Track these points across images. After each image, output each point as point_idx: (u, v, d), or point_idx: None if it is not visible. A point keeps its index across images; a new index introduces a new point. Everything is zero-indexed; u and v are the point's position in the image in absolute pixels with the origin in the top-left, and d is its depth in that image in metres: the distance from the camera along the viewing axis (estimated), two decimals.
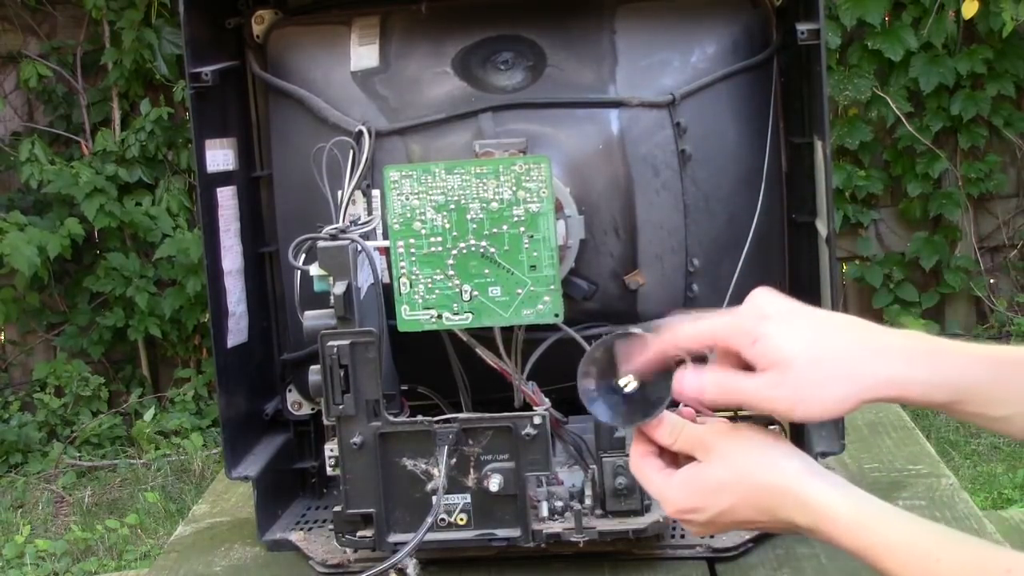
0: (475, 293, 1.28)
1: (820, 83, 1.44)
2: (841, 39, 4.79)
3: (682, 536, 1.47)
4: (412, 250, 1.28)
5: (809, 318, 1.05)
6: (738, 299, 1.50)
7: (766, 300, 1.06)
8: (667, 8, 1.51)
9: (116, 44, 4.93)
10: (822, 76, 1.44)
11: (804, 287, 1.60)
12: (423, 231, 1.28)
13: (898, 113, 4.83)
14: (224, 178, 1.59)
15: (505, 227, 1.27)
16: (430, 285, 1.28)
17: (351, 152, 1.44)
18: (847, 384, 1.02)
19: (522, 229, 1.27)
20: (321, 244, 1.33)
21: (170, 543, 1.66)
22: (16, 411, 4.90)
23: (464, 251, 1.28)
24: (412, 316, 1.29)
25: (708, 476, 1.07)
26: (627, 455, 1.40)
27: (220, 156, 1.58)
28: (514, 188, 1.27)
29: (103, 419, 4.86)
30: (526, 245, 1.27)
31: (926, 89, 4.82)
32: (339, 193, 1.41)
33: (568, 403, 1.47)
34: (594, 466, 1.41)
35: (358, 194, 1.44)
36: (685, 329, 1.06)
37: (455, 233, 1.28)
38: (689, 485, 1.07)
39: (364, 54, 1.53)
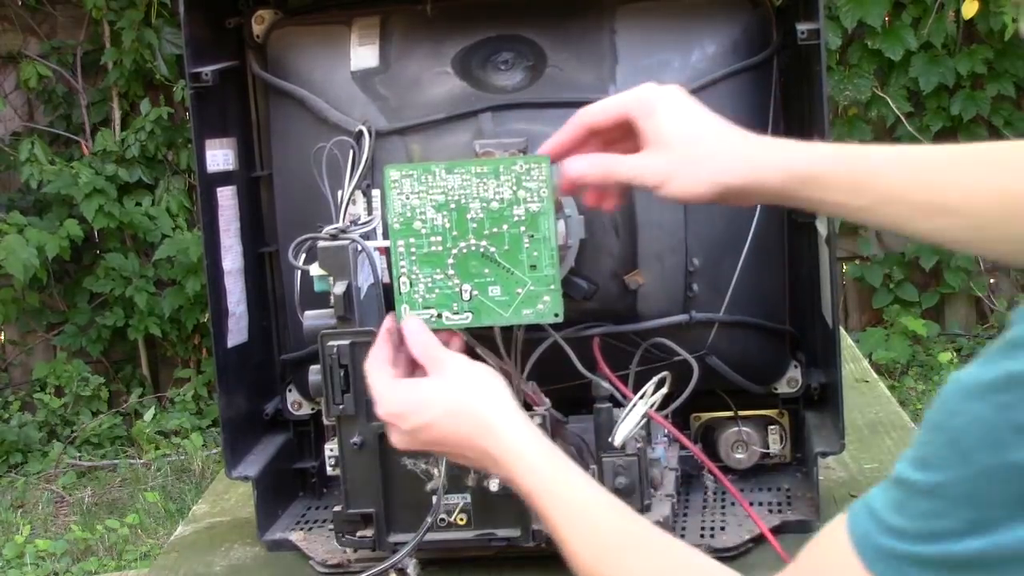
0: (475, 293, 1.28)
1: (820, 83, 1.45)
2: (841, 40, 4.79)
3: (682, 536, 1.47)
4: (412, 250, 1.28)
5: (694, 106, 1.17)
6: (738, 299, 1.51)
7: (669, 87, 1.18)
8: (667, 8, 1.51)
9: (116, 44, 4.93)
10: (822, 76, 1.44)
11: (804, 287, 1.60)
12: (423, 230, 1.28)
13: (898, 113, 4.83)
14: (224, 178, 1.59)
15: (505, 227, 1.27)
16: (430, 284, 1.28)
17: (351, 152, 1.44)
18: (711, 168, 1.13)
19: (522, 229, 1.27)
20: (321, 244, 1.33)
21: (170, 543, 1.66)
22: (16, 411, 4.90)
23: (464, 251, 1.27)
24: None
25: (422, 388, 1.17)
26: (628, 455, 1.40)
27: (220, 156, 1.58)
28: (514, 188, 1.26)
29: (103, 419, 4.86)
30: (526, 245, 1.27)
31: (926, 89, 4.82)
32: (339, 193, 1.41)
33: (568, 403, 1.47)
34: (594, 466, 1.41)
35: (358, 194, 1.44)
36: (596, 104, 1.19)
37: (455, 233, 1.27)
38: (403, 392, 1.17)
39: (364, 54, 1.53)
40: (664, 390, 1.38)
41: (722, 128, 1.16)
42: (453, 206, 1.27)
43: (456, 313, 1.28)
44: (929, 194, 1.09)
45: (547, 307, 1.28)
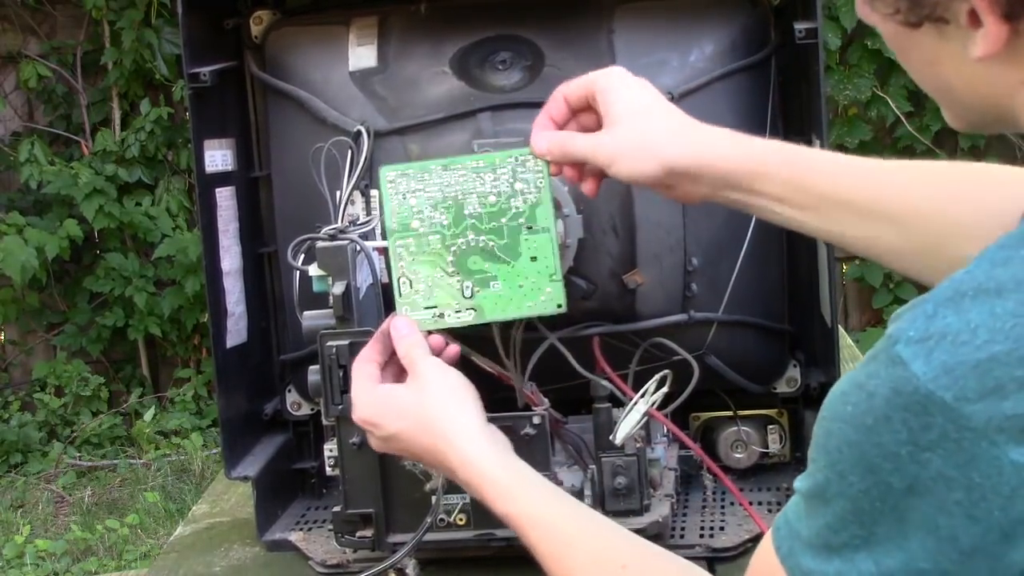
0: (476, 289, 1.28)
1: (818, 82, 1.44)
2: (841, 40, 4.79)
3: (682, 536, 1.47)
4: (411, 249, 1.28)
5: (650, 91, 1.19)
6: (737, 299, 1.51)
7: (639, 79, 1.20)
8: (665, 8, 1.51)
9: (116, 44, 4.93)
10: (820, 75, 1.44)
11: (804, 287, 1.60)
12: (421, 229, 1.28)
13: (898, 113, 4.83)
14: (223, 178, 1.59)
15: (503, 220, 1.27)
16: (430, 284, 1.28)
17: (349, 152, 1.44)
18: (659, 146, 1.14)
19: (521, 221, 1.27)
20: (320, 244, 1.33)
21: (170, 543, 1.66)
22: (16, 411, 4.90)
23: (463, 247, 1.27)
24: (414, 317, 1.29)
25: (392, 397, 1.18)
26: (627, 455, 1.40)
27: (219, 156, 1.58)
28: (511, 180, 1.27)
29: (103, 419, 4.86)
30: (525, 237, 1.27)
31: None
32: (338, 193, 1.41)
33: (567, 403, 1.47)
34: (593, 466, 1.41)
35: (356, 194, 1.44)
36: (569, 82, 1.22)
37: (453, 229, 1.27)
38: (376, 399, 1.18)
39: (362, 54, 1.53)
40: (665, 388, 1.38)
41: (673, 112, 1.17)
42: (450, 202, 1.27)
43: (458, 311, 1.28)
44: (870, 197, 1.08)
45: (550, 298, 1.28)
